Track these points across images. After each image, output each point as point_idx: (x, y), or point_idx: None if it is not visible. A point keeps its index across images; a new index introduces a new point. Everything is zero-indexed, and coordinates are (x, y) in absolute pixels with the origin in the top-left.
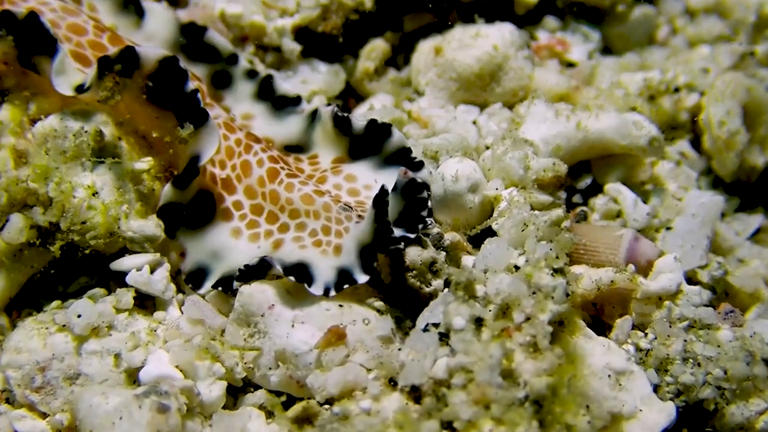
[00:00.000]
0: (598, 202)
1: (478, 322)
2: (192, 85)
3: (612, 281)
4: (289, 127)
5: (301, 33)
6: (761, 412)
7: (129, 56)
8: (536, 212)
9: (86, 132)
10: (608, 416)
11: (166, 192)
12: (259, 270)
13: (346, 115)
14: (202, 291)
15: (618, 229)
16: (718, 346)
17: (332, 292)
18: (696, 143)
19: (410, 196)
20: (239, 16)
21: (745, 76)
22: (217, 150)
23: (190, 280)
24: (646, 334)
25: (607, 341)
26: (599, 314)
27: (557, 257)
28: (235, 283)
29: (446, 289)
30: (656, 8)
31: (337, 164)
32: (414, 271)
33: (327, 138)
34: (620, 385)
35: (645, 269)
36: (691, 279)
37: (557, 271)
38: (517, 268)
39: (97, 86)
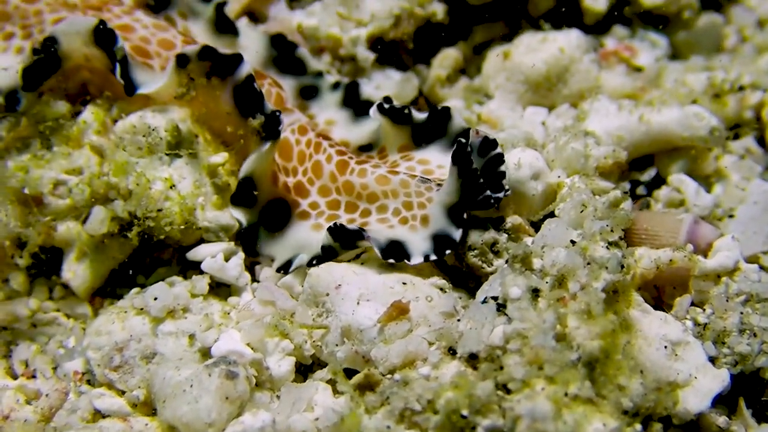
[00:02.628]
0: (662, 192)
1: (535, 292)
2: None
3: (671, 260)
4: (364, 129)
5: (374, 42)
6: None
7: (207, 55)
8: (596, 196)
9: (162, 127)
10: (662, 381)
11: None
12: (351, 237)
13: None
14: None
15: (679, 214)
16: None
17: (432, 257)
18: (762, 141)
19: (487, 153)
20: (316, 29)
21: None
22: (289, 157)
23: (281, 269)
24: (704, 310)
25: (664, 314)
26: (660, 295)
27: (612, 231)
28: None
29: (505, 264)
30: (724, 17)
31: (406, 152)
32: (475, 251)
33: (391, 130)
34: (676, 355)
35: (705, 251)
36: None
37: (612, 244)
38: (573, 243)
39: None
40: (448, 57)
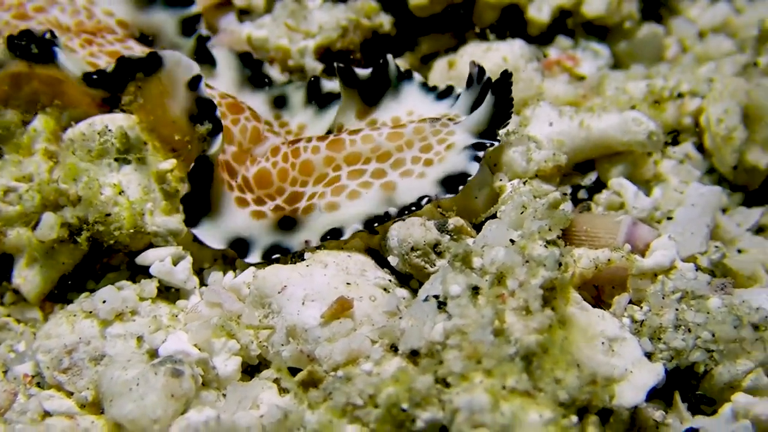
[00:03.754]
0: (602, 196)
1: (475, 290)
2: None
3: (609, 260)
4: (326, 119)
5: (323, 53)
6: (748, 371)
7: (152, 61)
8: (537, 199)
9: (111, 132)
10: (598, 375)
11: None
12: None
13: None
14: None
15: (617, 216)
16: (708, 313)
17: (481, 153)
18: (701, 147)
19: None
20: (265, 40)
21: (746, 82)
22: (270, 183)
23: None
24: (641, 307)
25: (602, 312)
26: (600, 295)
27: (550, 230)
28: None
29: (446, 264)
30: (665, 28)
31: (366, 116)
32: (418, 252)
33: (345, 96)
34: (613, 350)
35: (643, 251)
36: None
37: (550, 243)
38: (513, 242)
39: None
40: None
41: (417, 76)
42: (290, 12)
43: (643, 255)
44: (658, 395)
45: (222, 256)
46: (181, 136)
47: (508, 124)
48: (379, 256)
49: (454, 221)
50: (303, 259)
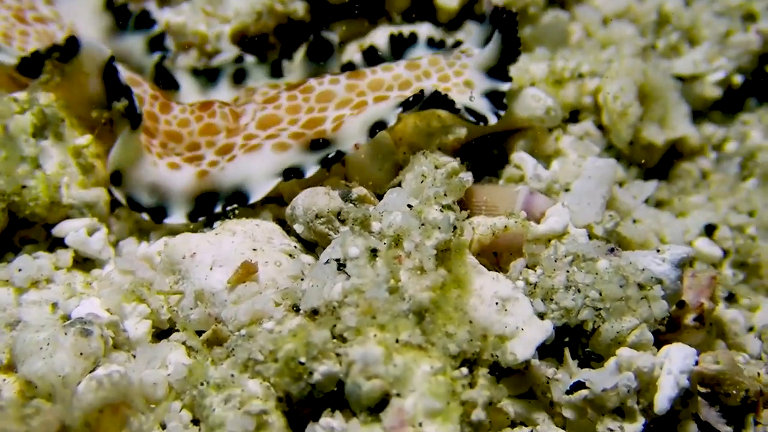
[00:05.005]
0: (505, 170)
1: (373, 252)
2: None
3: (505, 226)
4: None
5: (239, 38)
6: (632, 327)
7: (71, 45)
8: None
9: (28, 110)
10: (490, 332)
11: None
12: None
13: None
14: None
15: (516, 187)
16: (596, 274)
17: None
18: (601, 127)
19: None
20: (183, 25)
21: (643, 62)
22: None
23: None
24: (535, 271)
25: (496, 274)
26: (498, 262)
27: (446, 195)
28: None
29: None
30: (569, 14)
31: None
32: (322, 219)
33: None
34: (506, 310)
35: (539, 220)
36: (589, 235)
37: (446, 207)
38: (410, 207)
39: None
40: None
41: (423, 34)
42: None
43: (539, 222)
44: (551, 353)
45: (138, 229)
46: (98, 113)
47: (517, 61)
48: (287, 226)
49: (358, 190)
50: (212, 228)
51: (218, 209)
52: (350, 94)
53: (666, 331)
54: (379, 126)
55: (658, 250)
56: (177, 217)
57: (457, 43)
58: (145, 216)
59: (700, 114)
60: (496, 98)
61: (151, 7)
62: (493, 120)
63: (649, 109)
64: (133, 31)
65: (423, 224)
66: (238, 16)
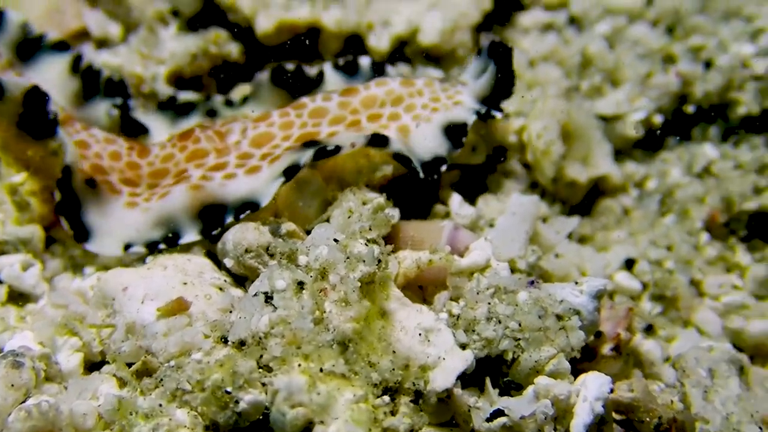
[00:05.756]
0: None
1: (300, 285)
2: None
3: (430, 260)
4: None
5: (175, 79)
6: (550, 357)
7: None
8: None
9: None
10: (413, 361)
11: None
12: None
13: None
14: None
15: (441, 222)
16: (516, 305)
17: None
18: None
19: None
20: (120, 67)
21: (566, 102)
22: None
23: None
24: (459, 303)
25: (420, 306)
26: (424, 295)
27: (370, 229)
28: None
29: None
30: None
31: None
32: (252, 253)
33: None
34: (429, 341)
35: (463, 254)
36: (512, 269)
37: (370, 241)
38: (336, 241)
39: None
40: (242, 91)
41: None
42: (143, 41)
43: (462, 257)
44: (473, 382)
45: (72, 265)
46: (33, 152)
47: (511, 95)
48: (218, 259)
49: (287, 226)
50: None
51: (230, 219)
52: (343, 111)
53: (584, 361)
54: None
55: (577, 283)
56: (190, 236)
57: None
58: (162, 246)
59: (622, 152)
60: (485, 115)
61: (88, 50)
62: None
63: (573, 147)
64: (102, 96)
65: (348, 258)
66: (173, 57)
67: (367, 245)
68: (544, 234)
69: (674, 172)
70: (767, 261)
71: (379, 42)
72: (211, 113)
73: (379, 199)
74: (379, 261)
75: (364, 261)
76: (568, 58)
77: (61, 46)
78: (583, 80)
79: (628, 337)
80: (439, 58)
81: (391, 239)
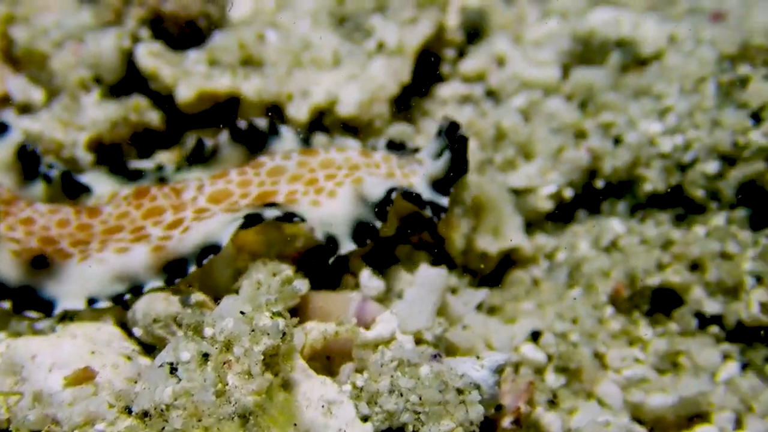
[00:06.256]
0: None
1: (205, 356)
2: None
3: (336, 332)
4: None
5: (95, 145)
6: (449, 430)
7: None
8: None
9: None
10: None
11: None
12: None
13: None
14: None
15: (349, 294)
16: (418, 379)
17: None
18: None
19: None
20: (40, 133)
21: (479, 176)
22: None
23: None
24: (363, 375)
25: (324, 378)
26: (331, 366)
27: (276, 302)
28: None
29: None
30: (414, 127)
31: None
32: (160, 323)
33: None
34: (331, 413)
35: (370, 326)
36: (418, 341)
37: (276, 314)
38: (243, 313)
39: None
40: (159, 159)
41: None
42: (65, 107)
43: (369, 329)
44: None
45: None
46: None
47: (464, 179)
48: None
49: (196, 296)
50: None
51: (193, 269)
52: (302, 170)
53: None
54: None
55: (478, 357)
56: (155, 285)
57: (416, 150)
58: (128, 297)
59: (533, 224)
60: (434, 209)
61: (9, 116)
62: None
63: (484, 220)
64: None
65: (253, 330)
66: (94, 125)
67: (272, 318)
68: (452, 305)
69: (582, 245)
70: (669, 335)
71: (299, 112)
72: (162, 181)
73: (288, 271)
74: (284, 334)
75: (268, 334)
76: (483, 130)
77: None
78: (497, 153)
79: (528, 411)
80: (357, 128)
81: (301, 309)
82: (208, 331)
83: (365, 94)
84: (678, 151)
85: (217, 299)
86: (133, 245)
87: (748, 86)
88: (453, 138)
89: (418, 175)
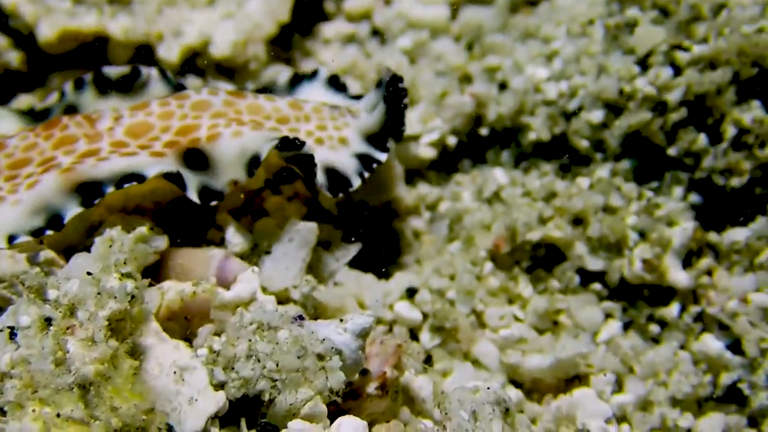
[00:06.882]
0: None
1: (48, 321)
2: None
3: (193, 292)
4: None
5: None
6: (306, 399)
7: None
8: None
9: None
10: (164, 403)
11: None
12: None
13: None
14: None
15: (211, 251)
16: (276, 344)
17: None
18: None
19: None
20: None
21: None
22: None
23: None
24: (220, 338)
25: (177, 342)
26: (191, 327)
27: (125, 263)
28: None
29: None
30: (290, 68)
31: None
32: (5, 283)
33: None
34: (183, 380)
35: (232, 286)
36: (284, 300)
37: (125, 275)
38: (90, 274)
39: None
40: (21, 102)
41: (323, 73)
42: None
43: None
44: (232, 422)
45: None
46: None
47: (401, 138)
48: None
49: (45, 254)
50: None
51: (110, 189)
52: (227, 109)
53: (348, 399)
54: (254, 163)
55: (341, 320)
56: (72, 212)
57: (357, 97)
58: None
59: (416, 174)
60: (366, 162)
61: None
62: (356, 182)
63: None
64: None
65: (99, 293)
66: None
67: (120, 280)
68: (324, 261)
69: (465, 195)
70: (549, 292)
71: (170, 53)
72: (71, 109)
73: (142, 228)
74: (133, 297)
75: (115, 297)
76: (367, 72)
77: None
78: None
79: (395, 375)
80: (232, 70)
81: (160, 267)
82: (51, 294)
83: (240, 34)
84: (563, 98)
85: (69, 257)
86: (42, 176)
87: (635, 30)
88: (392, 91)
89: (351, 127)
